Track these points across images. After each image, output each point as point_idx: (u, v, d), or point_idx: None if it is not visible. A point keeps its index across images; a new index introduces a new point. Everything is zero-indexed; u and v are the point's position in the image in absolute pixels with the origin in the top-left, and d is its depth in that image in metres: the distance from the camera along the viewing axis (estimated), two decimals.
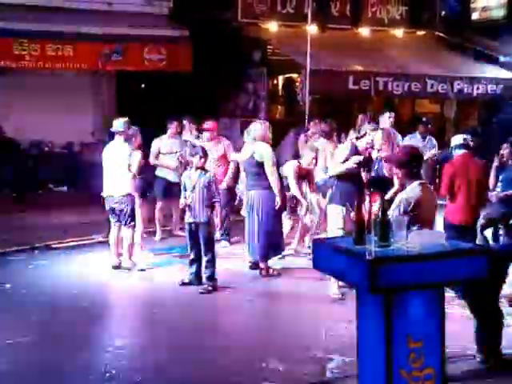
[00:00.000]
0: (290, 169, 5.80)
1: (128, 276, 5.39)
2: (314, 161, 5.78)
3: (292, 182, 5.75)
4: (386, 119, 6.55)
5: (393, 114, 6.73)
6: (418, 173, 3.30)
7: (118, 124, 5.51)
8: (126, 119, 5.58)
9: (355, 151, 4.66)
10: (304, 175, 5.90)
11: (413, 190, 3.23)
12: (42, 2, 8.14)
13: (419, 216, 3.10)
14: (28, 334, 3.90)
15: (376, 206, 2.73)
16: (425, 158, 6.56)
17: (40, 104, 8.58)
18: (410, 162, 3.25)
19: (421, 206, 3.17)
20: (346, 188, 4.61)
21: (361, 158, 4.61)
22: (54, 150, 9.22)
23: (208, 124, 6.31)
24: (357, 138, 4.80)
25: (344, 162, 4.62)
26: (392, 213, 3.10)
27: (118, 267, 5.47)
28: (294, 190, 5.78)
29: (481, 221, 5.59)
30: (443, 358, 2.71)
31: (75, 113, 8.88)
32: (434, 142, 7.27)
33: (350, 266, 2.59)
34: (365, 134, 4.72)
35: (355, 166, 4.57)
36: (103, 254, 5.83)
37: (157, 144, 6.65)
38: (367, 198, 2.94)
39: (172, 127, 6.70)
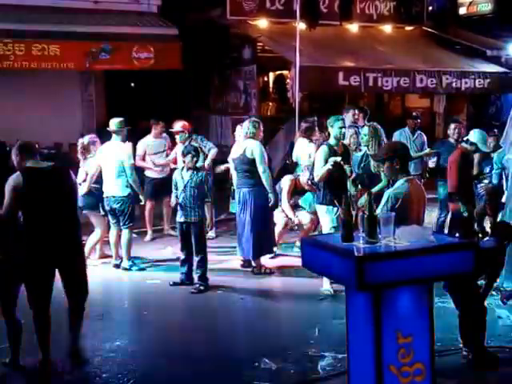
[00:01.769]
0: (286, 183, 5.79)
1: (118, 277, 5.37)
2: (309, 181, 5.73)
3: (284, 197, 5.74)
4: (350, 117, 6.45)
5: (356, 112, 6.59)
6: (404, 168, 3.31)
7: (115, 123, 5.49)
8: (123, 119, 5.55)
9: (333, 152, 4.71)
10: (301, 191, 5.83)
11: (400, 186, 3.25)
12: (26, 1, 8.04)
13: (408, 211, 3.11)
14: None
15: (362, 200, 2.74)
16: (417, 155, 6.62)
17: (27, 104, 8.50)
18: (395, 158, 3.27)
19: (409, 201, 3.19)
20: (332, 187, 4.65)
21: (338, 158, 4.67)
22: (41, 151, 9.12)
23: (179, 126, 6.08)
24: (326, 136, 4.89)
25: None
26: (381, 209, 3.12)
27: (118, 266, 5.49)
28: (284, 206, 5.77)
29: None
30: (433, 353, 2.72)
31: (63, 113, 8.81)
32: (424, 137, 7.29)
33: (337, 264, 2.59)
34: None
35: (332, 167, 4.63)
36: (93, 254, 5.80)
37: (142, 146, 6.62)
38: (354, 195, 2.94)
39: (157, 127, 6.64)
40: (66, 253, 3.50)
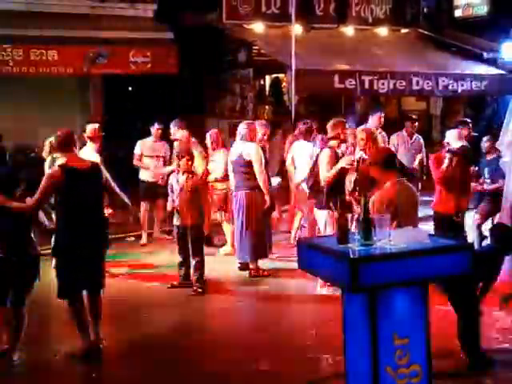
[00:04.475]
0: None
1: (116, 280, 5.36)
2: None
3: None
4: (376, 119, 6.55)
5: (383, 114, 6.78)
6: (392, 172, 3.35)
7: (91, 129, 5.48)
8: (98, 125, 5.54)
9: (338, 156, 4.73)
10: None
11: (386, 190, 3.28)
12: (23, 7, 8.07)
13: (396, 214, 3.14)
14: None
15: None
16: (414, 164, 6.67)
17: (25, 108, 8.50)
18: (379, 164, 3.32)
19: (396, 204, 3.21)
20: (332, 191, 4.66)
21: (352, 157, 4.69)
22: (40, 155, 9.12)
23: (180, 134, 6.04)
24: (328, 139, 4.88)
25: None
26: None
27: None
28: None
29: (475, 216, 5.67)
30: (429, 355, 2.73)
31: (61, 116, 8.79)
32: (421, 140, 7.25)
33: (333, 266, 2.60)
34: (337, 136, 4.79)
35: (348, 166, 4.64)
36: None
37: (140, 146, 6.60)
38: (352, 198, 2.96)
39: (156, 131, 6.60)
40: (99, 242, 3.79)
